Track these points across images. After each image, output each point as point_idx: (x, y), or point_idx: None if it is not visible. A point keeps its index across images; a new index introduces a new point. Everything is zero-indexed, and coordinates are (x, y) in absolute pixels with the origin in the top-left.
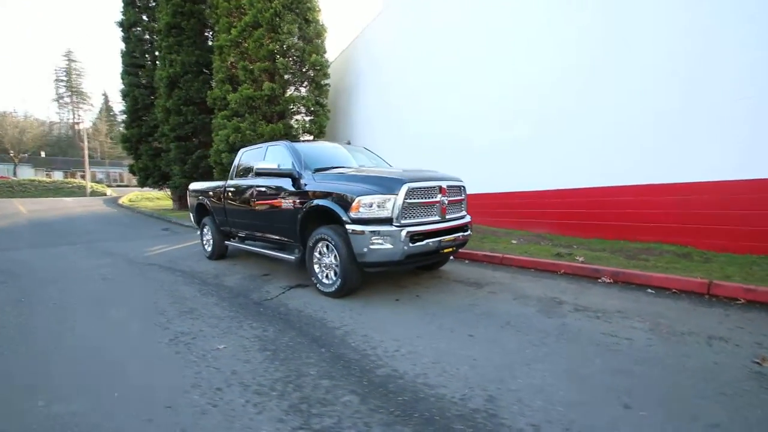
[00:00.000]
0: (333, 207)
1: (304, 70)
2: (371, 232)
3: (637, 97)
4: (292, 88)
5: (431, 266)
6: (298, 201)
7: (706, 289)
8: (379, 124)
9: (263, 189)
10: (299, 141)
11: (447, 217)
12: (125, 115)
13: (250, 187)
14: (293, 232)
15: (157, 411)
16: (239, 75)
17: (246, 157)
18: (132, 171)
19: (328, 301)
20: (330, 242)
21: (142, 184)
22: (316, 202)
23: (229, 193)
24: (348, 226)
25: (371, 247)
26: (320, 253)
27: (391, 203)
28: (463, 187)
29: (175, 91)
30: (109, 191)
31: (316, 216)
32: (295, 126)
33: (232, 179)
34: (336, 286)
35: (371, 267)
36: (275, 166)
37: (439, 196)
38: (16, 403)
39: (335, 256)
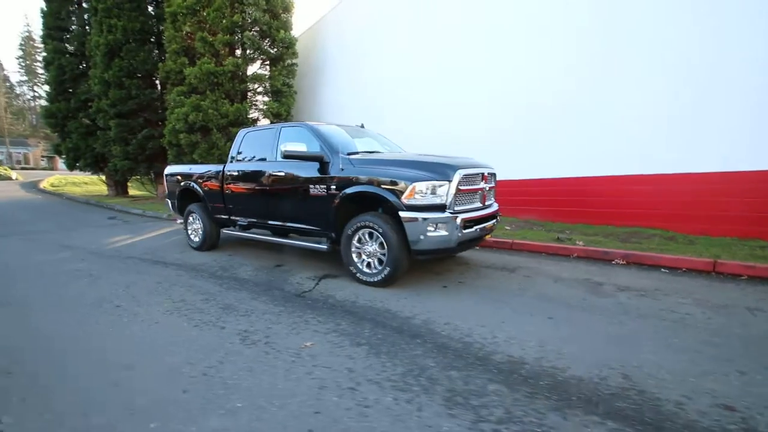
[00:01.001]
0: (382, 193)
1: (270, 47)
2: (427, 219)
3: (618, 97)
4: (257, 64)
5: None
6: (333, 187)
7: (712, 267)
8: (353, 112)
9: (283, 174)
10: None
11: (486, 203)
12: (48, 87)
13: (262, 171)
14: (324, 220)
15: (324, 424)
16: (197, 47)
17: (250, 139)
18: (58, 152)
19: (375, 291)
20: (375, 230)
21: (71, 166)
22: (358, 188)
23: (231, 178)
24: (402, 213)
25: (428, 234)
26: (360, 241)
27: (445, 189)
28: (495, 174)
29: (116, 61)
30: (14, 174)
31: (353, 202)
32: (264, 108)
33: (231, 162)
34: (383, 275)
35: (423, 255)
36: (304, 149)
37: (482, 183)
38: None
39: (381, 243)
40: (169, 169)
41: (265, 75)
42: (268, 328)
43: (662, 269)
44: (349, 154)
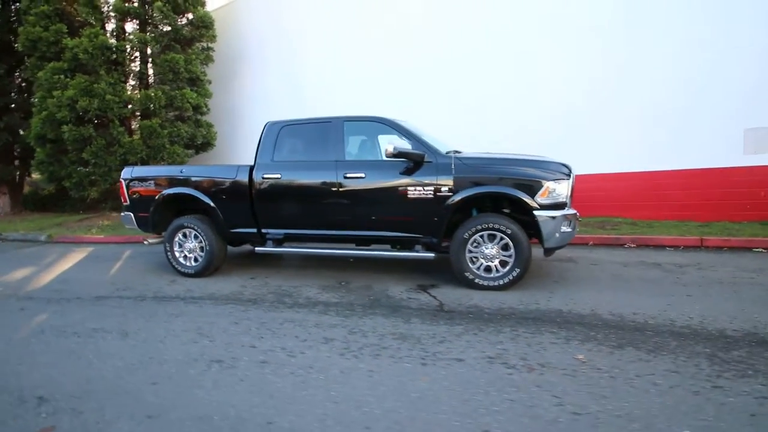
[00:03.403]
0: (515, 193)
1: (179, 27)
2: (562, 216)
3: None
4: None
5: None
6: (444, 188)
7: (700, 243)
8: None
9: (363, 175)
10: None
11: None
12: None
13: (332, 174)
14: (427, 224)
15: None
16: (81, 13)
17: (292, 135)
18: None
19: (504, 295)
20: (501, 231)
21: None
22: (484, 188)
23: (272, 182)
24: (537, 213)
25: (561, 231)
26: (476, 243)
27: (566, 187)
28: None
29: None
30: None
31: (470, 204)
32: (178, 96)
33: (264, 163)
34: (510, 277)
35: (550, 252)
36: (410, 148)
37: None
38: None
39: (504, 245)
40: (134, 172)
41: (180, 58)
42: (495, 350)
43: (667, 248)
44: (446, 153)
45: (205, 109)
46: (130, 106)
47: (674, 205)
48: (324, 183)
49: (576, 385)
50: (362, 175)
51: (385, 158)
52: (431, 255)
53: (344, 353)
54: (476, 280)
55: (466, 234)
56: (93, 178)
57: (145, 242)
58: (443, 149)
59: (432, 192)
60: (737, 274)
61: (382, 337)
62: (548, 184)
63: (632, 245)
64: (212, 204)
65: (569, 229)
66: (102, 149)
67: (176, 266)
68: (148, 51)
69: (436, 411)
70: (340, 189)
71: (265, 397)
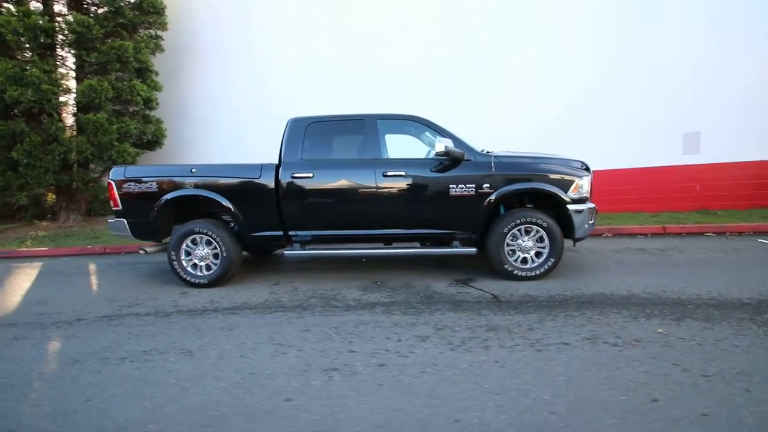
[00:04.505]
0: (552, 189)
1: (122, 8)
2: (588, 209)
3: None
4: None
5: None
6: (486, 185)
7: (663, 230)
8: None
9: (404, 174)
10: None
11: None
12: None
13: (369, 173)
14: (468, 220)
15: None
16: None
17: (319, 133)
18: None
19: (541, 284)
20: (538, 224)
21: None
22: (524, 185)
23: (302, 182)
24: (570, 206)
25: (589, 223)
26: (514, 237)
27: (588, 182)
28: None
29: None
30: None
31: (507, 200)
32: (126, 88)
33: (293, 162)
34: (546, 267)
35: (577, 242)
36: (453, 147)
37: None
38: None
39: (540, 237)
40: (129, 172)
41: (129, 45)
42: (585, 332)
43: (638, 236)
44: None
45: (155, 104)
46: (67, 98)
47: (630, 199)
48: (362, 182)
49: (681, 354)
50: (402, 173)
51: (423, 156)
52: (473, 250)
53: (454, 348)
54: (515, 272)
55: (506, 228)
56: (24, 181)
57: (141, 251)
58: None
59: (474, 189)
60: (710, 254)
61: (472, 330)
62: (578, 181)
63: (609, 234)
64: (232, 206)
65: (592, 221)
66: (37, 147)
67: (185, 276)
68: (89, 36)
69: (594, 390)
70: (379, 188)
71: (423, 397)
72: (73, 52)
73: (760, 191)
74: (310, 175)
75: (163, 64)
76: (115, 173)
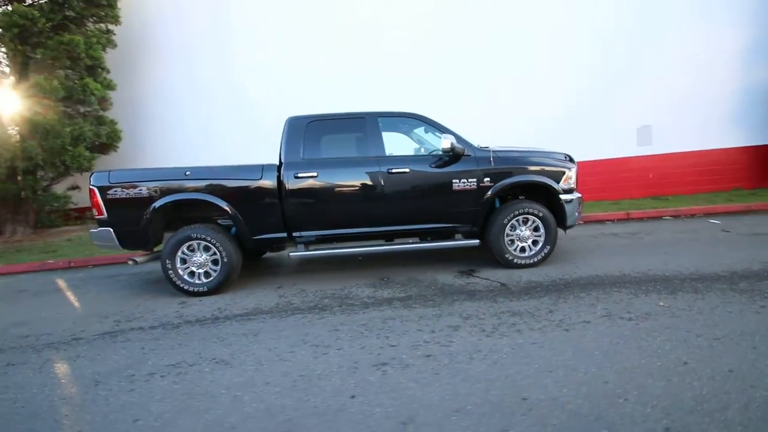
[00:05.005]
0: (547, 180)
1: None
2: (578, 198)
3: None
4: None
5: None
6: (486, 179)
7: (627, 216)
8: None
9: (408, 171)
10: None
11: None
12: None
13: (374, 171)
14: (470, 214)
15: None
16: None
17: (320, 131)
18: None
19: (545, 270)
20: (534, 214)
21: None
22: (522, 177)
23: (307, 182)
24: (562, 196)
25: (578, 212)
26: (512, 227)
27: (575, 174)
28: None
29: None
30: None
31: (504, 193)
32: (78, 87)
33: (295, 162)
34: (542, 254)
35: (567, 230)
36: (456, 144)
37: None
38: None
39: (536, 227)
40: (114, 177)
41: (80, 40)
42: (598, 310)
43: (606, 222)
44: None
45: (109, 104)
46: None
47: (592, 188)
48: (367, 180)
49: (688, 322)
50: (407, 170)
51: (413, 152)
52: (476, 241)
53: (489, 334)
54: (515, 260)
55: (505, 219)
56: None
57: (129, 262)
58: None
59: (475, 183)
60: (676, 235)
61: (497, 316)
62: (567, 172)
63: (581, 222)
64: (232, 209)
65: (580, 210)
66: None
67: (181, 285)
68: (34, 29)
69: (632, 359)
70: (385, 185)
71: (483, 381)
72: (18, 47)
73: (701, 177)
74: (315, 174)
75: (116, 61)
76: (98, 179)
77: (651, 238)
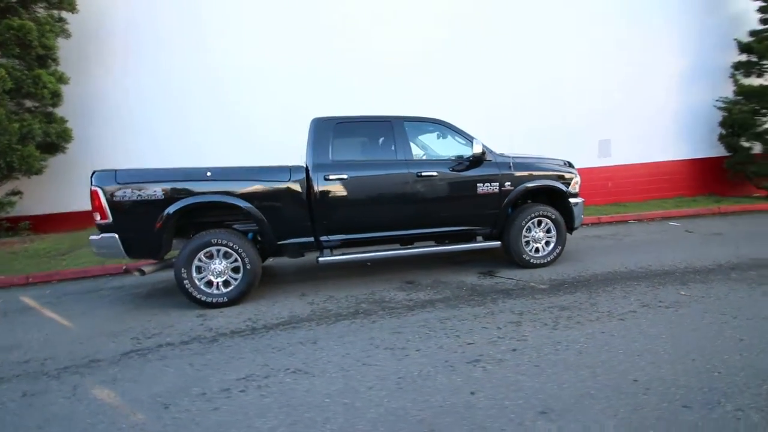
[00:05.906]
0: (560, 186)
1: None
2: (582, 202)
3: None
4: None
5: None
6: (507, 183)
7: (598, 220)
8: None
9: (436, 174)
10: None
11: None
12: None
13: (403, 174)
14: (491, 217)
15: None
16: None
17: (347, 133)
18: None
19: (559, 268)
20: (548, 217)
21: None
22: (539, 182)
23: (337, 184)
24: (572, 200)
25: (582, 214)
26: (528, 229)
27: (579, 179)
28: None
29: None
30: None
31: (524, 197)
32: (28, 79)
33: (325, 164)
34: (554, 254)
35: (572, 232)
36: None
37: None
38: None
39: (548, 229)
40: (121, 176)
41: (32, 27)
42: (633, 302)
43: (583, 226)
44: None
45: (60, 100)
46: None
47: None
48: (397, 183)
49: (716, 307)
50: (435, 173)
51: (448, 157)
52: (498, 243)
53: (556, 327)
54: (531, 260)
55: (523, 222)
56: None
57: (135, 273)
58: None
59: (497, 187)
60: (650, 236)
61: (548, 311)
62: (574, 178)
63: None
64: (257, 213)
65: (583, 213)
66: None
67: (198, 296)
68: None
69: (696, 340)
70: (414, 188)
71: (583, 368)
72: None
73: (651, 186)
74: (345, 176)
75: (68, 52)
76: (102, 179)
77: (630, 239)
